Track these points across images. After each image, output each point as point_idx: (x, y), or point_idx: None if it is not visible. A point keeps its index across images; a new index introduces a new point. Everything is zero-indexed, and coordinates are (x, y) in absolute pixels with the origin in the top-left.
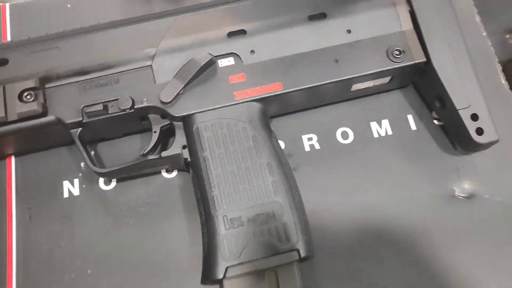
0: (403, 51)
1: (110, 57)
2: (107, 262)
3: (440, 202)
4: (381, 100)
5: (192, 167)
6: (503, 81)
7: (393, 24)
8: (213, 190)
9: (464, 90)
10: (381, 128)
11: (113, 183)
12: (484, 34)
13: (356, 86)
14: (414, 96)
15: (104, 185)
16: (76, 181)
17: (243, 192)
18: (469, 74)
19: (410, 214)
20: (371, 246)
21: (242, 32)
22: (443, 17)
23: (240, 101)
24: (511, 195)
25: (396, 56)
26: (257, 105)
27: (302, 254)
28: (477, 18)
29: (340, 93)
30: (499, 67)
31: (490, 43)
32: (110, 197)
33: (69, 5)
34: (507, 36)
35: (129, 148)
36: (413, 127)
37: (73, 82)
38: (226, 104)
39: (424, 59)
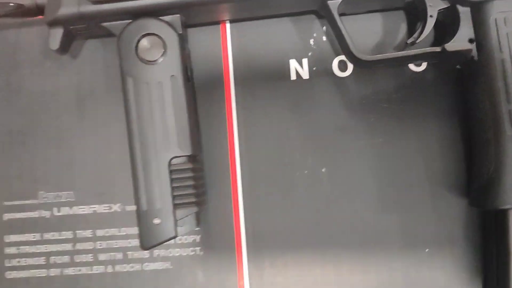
0: None
1: None
2: (341, 161)
3: None
4: None
5: (478, 70)
6: None
7: None
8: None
9: None
10: None
11: (349, 70)
12: None
13: None
14: None
15: (338, 70)
16: (304, 61)
17: None
18: None
19: None
20: None
21: None
22: None
23: None
24: None
25: None
26: None
27: None
28: None
29: None
30: None
31: None
32: (346, 86)
33: None
34: None
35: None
36: None
37: None
38: None
39: None
